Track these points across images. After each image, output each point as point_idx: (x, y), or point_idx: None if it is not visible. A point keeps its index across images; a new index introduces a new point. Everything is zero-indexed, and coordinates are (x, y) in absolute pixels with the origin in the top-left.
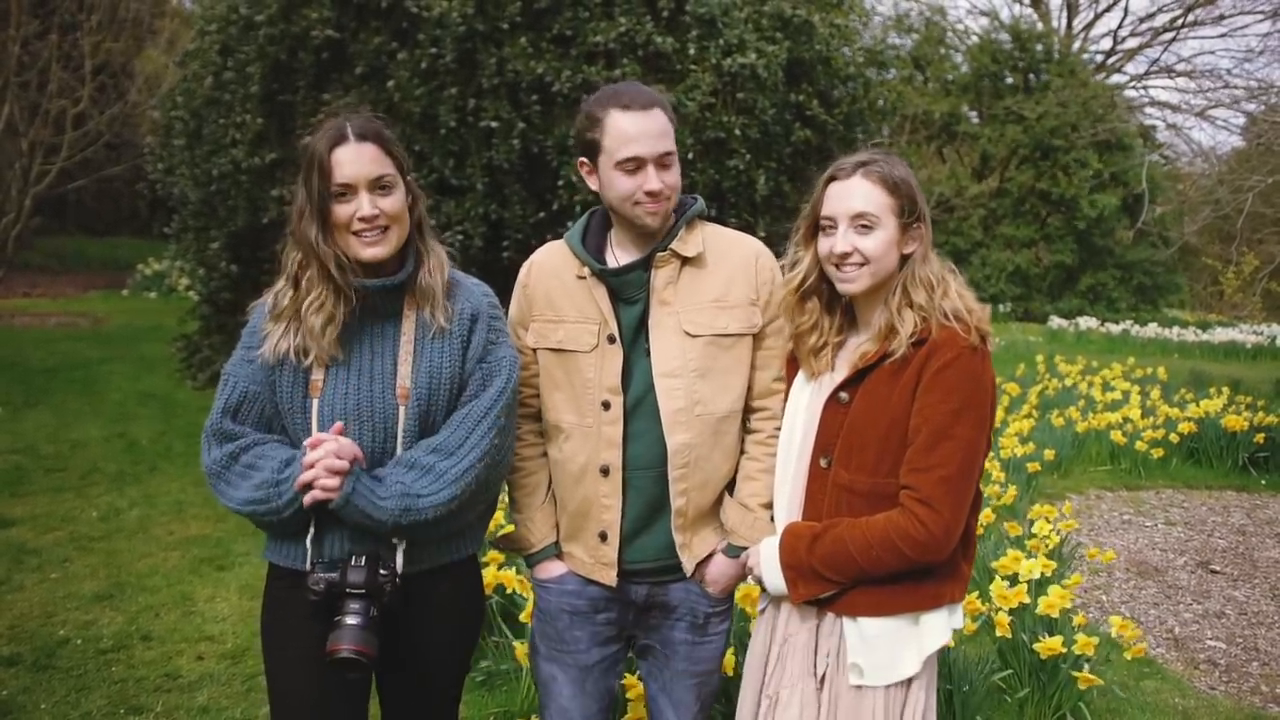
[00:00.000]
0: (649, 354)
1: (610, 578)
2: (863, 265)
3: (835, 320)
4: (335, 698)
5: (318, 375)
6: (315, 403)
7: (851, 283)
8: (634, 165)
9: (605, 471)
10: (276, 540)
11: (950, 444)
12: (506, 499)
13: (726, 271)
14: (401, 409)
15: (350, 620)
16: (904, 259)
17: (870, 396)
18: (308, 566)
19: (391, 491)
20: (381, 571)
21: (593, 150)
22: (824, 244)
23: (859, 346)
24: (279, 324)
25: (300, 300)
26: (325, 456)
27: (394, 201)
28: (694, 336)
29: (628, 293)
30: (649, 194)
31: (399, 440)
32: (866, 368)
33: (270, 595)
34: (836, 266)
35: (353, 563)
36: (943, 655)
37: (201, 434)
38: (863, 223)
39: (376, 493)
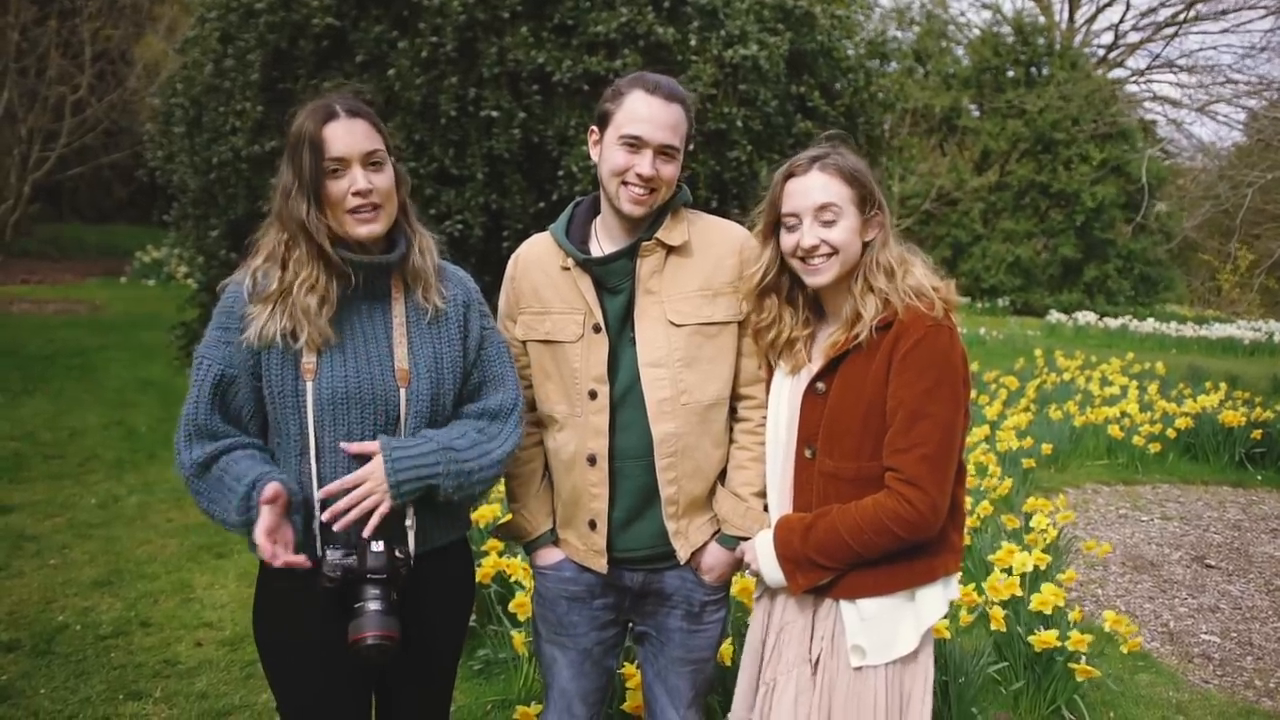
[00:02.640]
0: (635, 343)
1: (601, 565)
2: (831, 255)
3: (800, 314)
4: (344, 686)
5: (309, 359)
6: (310, 386)
7: (820, 274)
8: (634, 143)
9: (592, 460)
10: None
11: (927, 422)
12: (504, 489)
13: (711, 260)
14: (402, 391)
15: (372, 606)
16: (865, 247)
17: (845, 384)
18: (319, 554)
19: (426, 444)
20: (397, 555)
21: (604, 120)
22: (788, 240)
23: (830, 336)
24: (265, 306)
25: (288, 281)
26: (353, 505)
27: (385, 179)
28: (679, 326)
29: (612, 282)
30: (640, 176)
31: (402, 425)
32: (838, 356)
33: (265, 593)
34: (804, 260)
35: (372, 548)
36: (939, 646)
37: (178, 427)
38: (827, 215)
39: (410, 453)
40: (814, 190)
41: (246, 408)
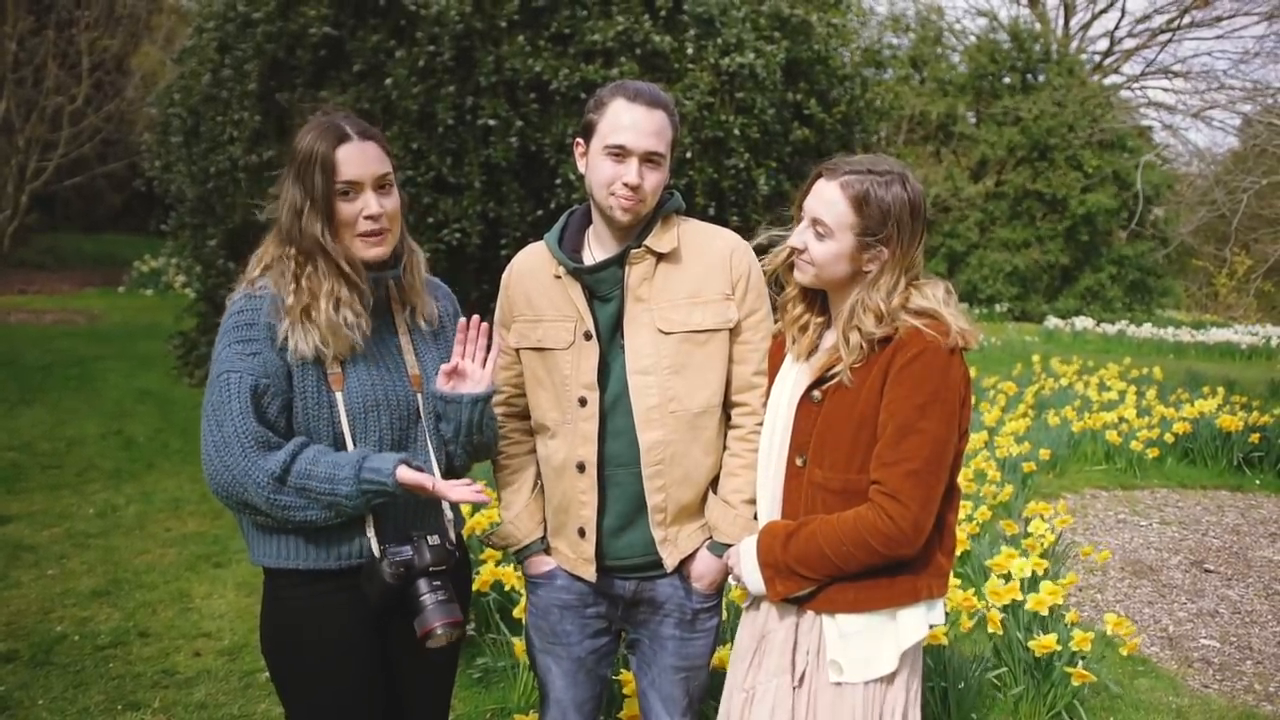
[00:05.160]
0: (624, 351)
1: (590, 573)
2: (810, 265)
3: (817, 302)
4: (364, 689)
5: (334, 369)
6: (340, 396)
7: (799, 270)
8: (619, 153)
9: (581, 468)
10: (285, 542)
11: (917, 438)
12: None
13: (701, 267)
14: (419, 395)
15: (435, 598)
16: (863, 276)
17: (840, 394)
18: (376, 554)
19: None
20: (448, 545)
21: (588, 131)
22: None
23: (825, 352)
24: (289, 320)
25: (306, 299)
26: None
27: (394, 202)
28: (667, 333)
29: (603, 290)
30: (627, 185)
31: (423, 426)
32: (835, 367)
33: (278, 608)
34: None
35: (429, 542)
36: (937, 653)
37: (228, 446)
38: (818, 229)
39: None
40: (818, 201)
41: (281, 417)
